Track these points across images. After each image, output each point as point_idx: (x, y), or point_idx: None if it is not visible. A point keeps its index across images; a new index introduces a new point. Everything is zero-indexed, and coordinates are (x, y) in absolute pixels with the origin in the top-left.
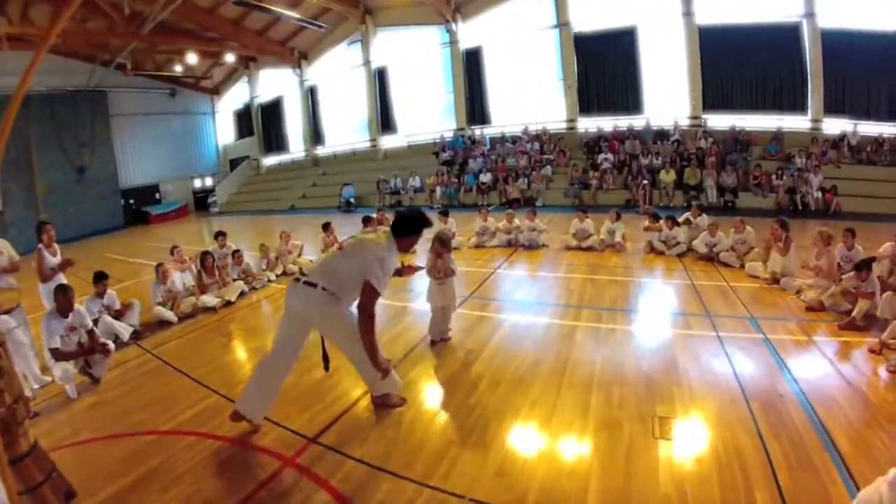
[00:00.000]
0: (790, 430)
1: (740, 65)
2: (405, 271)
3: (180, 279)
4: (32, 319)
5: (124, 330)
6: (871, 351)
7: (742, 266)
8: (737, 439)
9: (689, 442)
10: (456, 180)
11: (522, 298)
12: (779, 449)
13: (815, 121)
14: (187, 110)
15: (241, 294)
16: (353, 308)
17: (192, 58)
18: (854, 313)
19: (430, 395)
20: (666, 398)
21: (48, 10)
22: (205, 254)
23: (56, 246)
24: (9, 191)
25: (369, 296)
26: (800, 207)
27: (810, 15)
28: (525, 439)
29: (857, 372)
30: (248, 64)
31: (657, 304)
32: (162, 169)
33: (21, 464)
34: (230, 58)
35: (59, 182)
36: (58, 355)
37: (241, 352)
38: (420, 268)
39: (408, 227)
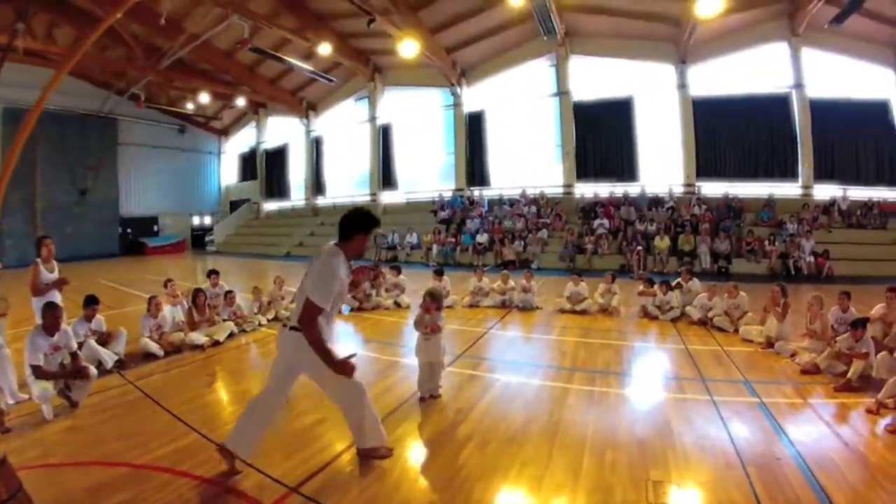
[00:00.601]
0: (787, 493)
1: (733, 134)
2: (356, 276)
3: (170, 313)
4: (18, 334)
5: (108, 357)
6: (869, 411)
7: (736, 330)
8: (732, 500)
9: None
10: (453, 239)
11: (514, 359)
12: None
13: (806, 187)
14: (194, 148)
15: (231, 335)
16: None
17: (204, 97)
18: (849, 375)
19: (416, 452)
20: (660, 462)
21: (72, 33)
22: (197, 291)
23: (54, 262)
24: (9, 202)
25: (307, 310)
26: (792, 272)
27: (799, 86)
28: (514, 503)
29: (855, 433)
30: (257, 110)
31: (651, 367)
32: (163, 202)
33: None
34: (241, 102)
35: (59, 201)
36: (38, 373)
37: (224, 393)
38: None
39: (349, 226)
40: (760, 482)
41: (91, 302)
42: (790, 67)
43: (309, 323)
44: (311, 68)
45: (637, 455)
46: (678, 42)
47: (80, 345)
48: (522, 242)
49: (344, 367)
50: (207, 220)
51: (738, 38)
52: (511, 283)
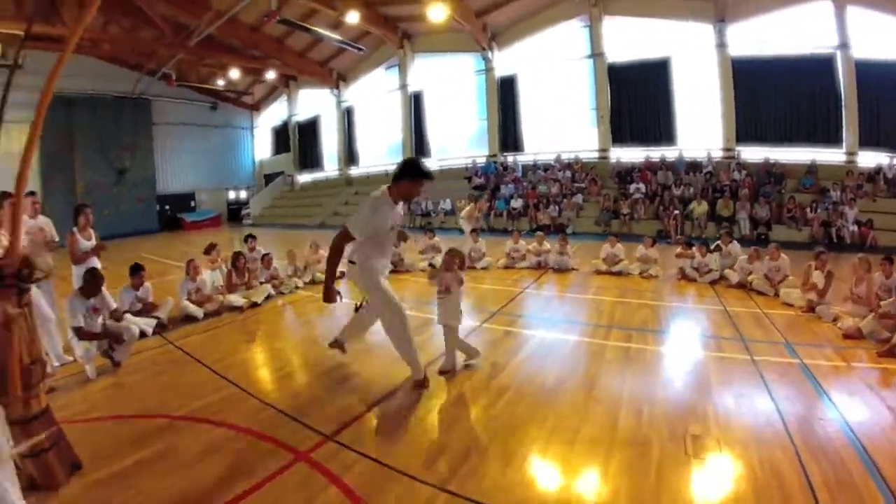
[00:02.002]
0: (830, 453)
1: (774, 97)
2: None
3: (210, 278)
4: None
5: (148, 326)
6: None
7: (776, 294)
8: (774, 460)
9: (723, 462)
10: (487, 205)
11: (550, 316)
12: (818, 471)
13: (850, 153)
14: (227, 124)
15: (268, 297)
16: (384, 283)
17: (234, 73)
18: (894, 340)
19: (452, 402)
20: (699, 418)
21: (100, 18)
22: (237, 254)
23: (91, 230)
24: (50, 187)
25: (339, 234)
26: (835, 240)
27: (844, 46)
28: (550, 452)
29: None
30: (287, 83)
31: (689, 326)
32: (198, 178)
33: (30, 426)
34: (271, 75)
35: (98, 182)
36: (81, 334)
37: (262, 350)
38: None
39: (399, 171)
40: (802, 442)
41: (137, 269)
42: (835, 26)
43: (335, 243)
44: (339, 38)
45: (675, 410)
46: None
47: (126, 313)
48: (557, 207)
49: (329, 293)
50: (243, 195)
51: None
52: (546, 244)
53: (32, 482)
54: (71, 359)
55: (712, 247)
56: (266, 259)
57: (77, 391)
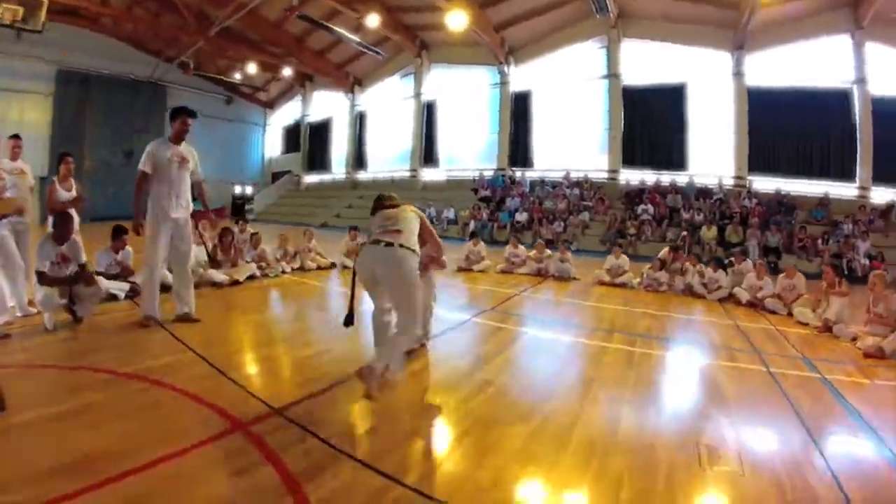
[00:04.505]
0: (867, 470)
1: (788, 128)
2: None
3: (193, 253)
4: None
5: (120, 290)
6: None
7: (790, 314)
8: (806, 477)
9: (745, 477)
10: (490, 216)
11: (546, 318)
12: (856, 488)
13: (863, 188)
14: (240, 119)
15: (252, 277)
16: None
17: (251, 67)
18: None
19: (425, 391)
20: (712, 426)
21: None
22: (225, 229)
23: (72, 181)
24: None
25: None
26: (845, 272)
27: (861, 81)
28: (532, 452)
29: None
30: (303, 83)
31: (696, 336)
32: (206, 169)
33: None
34: (288, 72)
35: (107, 161)
36: (42, 279)
37: (230, 322)
38: None
39: (171, 116)
40: (834, 458)
41: (119, 232)
42: (853, 61)
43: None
44: (358, 39)
45: (686, 417)
46: (735, 28)
47: (101, 275)
48: (562, 223)
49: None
50: (249, 190)
51: (799, 27)
52: (547, 251)
53: None
54: (34, 311)
55: (725, 263)
56: (255, 238)
57: (30, 340)
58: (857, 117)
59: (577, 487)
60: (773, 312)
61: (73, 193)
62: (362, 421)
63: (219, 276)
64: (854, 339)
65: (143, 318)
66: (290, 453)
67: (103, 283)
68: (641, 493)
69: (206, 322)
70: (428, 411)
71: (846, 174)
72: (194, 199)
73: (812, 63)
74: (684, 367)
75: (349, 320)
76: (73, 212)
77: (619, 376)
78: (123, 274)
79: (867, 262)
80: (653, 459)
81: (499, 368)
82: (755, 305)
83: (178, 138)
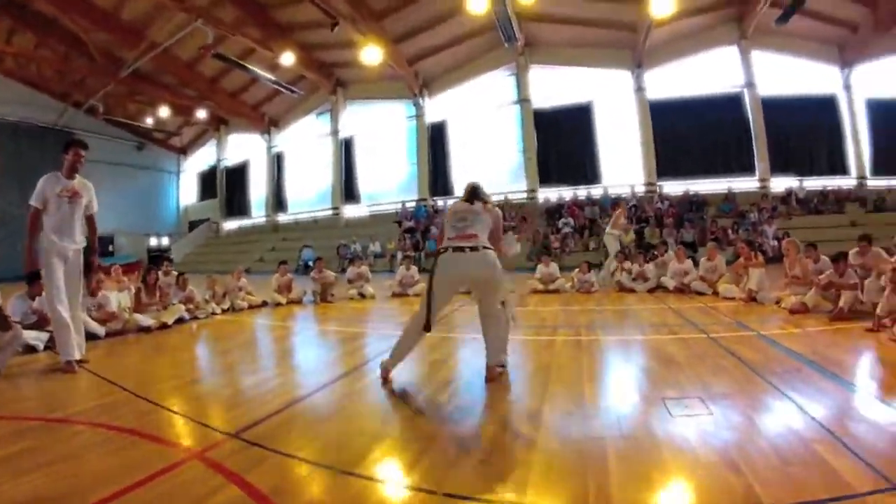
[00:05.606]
0: (812, 390)
1: (690, 134)
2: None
3: (116, 299)
4: None
5: (38, 341)
6: (868, 330)
7: (715, 293)
8: (765, 403)
9: (713, 415)
10: (416, 247)
11: None
12: (820, 408)
13: (763, 180)
14: (153, 166)
15: (181, 320)
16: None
17: (164, 111)
18: (841, 304)
19: (387, 397)
20: (672, 384)
21: (33, 38)
22: (149, 269)
23: None
24: None
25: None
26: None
27: (751, 85)
28: (508, 439)
29: (860, 346)
30: (218, 126)
31: (637, 321)
32: (119, 221)
33: None
34: (202, 115)
35: (14, 214)
36: None
37: (165, 361)
38: None
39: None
40: (787, 386)
41: (36, 277)
42: (741, 68)
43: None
44: (274, 78)
45: (645, 380)
46: (634, 48)
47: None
48: None
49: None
50: (165, 241)
51: (691, 42)
52: None
53: None
54: None
55: (648, 256)
56: (181, 279)
57: None
58: (751, 117)
59: (564, 455)
60: (701, 294)
61: None
62: (327, 431)
63: (146, 320)
64: (778, 302)
65: (64, 363)
66: (254, 473)
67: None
68: (626, 444)
69: (138, 363)
70: (395, 415)
71: (747, 169)
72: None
73: (706, 73)
74: (631, 345)
75: (428, 327)
76: None
77: (573, 359)
78: (41, 323)
79: (776, 242)
80: (627, 418)
81: (455, 368)
82: (683, 291)
83: (70, 172)
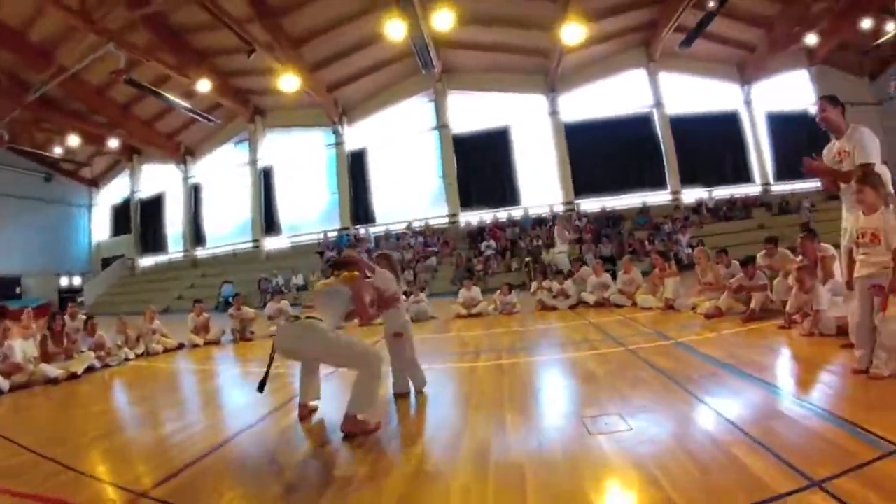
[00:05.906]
0: (728, 392)
1: (604, 153)
2: None
3: (21, 347)
4: None
5: None
6: (780, 327)
7: (634, 304)
8: (682, 411)
9: (631, 430)
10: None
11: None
12: (737, 411)
13: (675, 192)
14: (62, 199)
15: (90, 369)
16: None
17: (73, 139)
18: (752, 305)
19: (307, 437)
20: (591, 402)
21: None
22: (54, 315)
23: None
24: None
25: None
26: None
27: (659, 104)
28: (428, 472)
29: (774, 342)
30: (131, 156)
31: (557, 339)
32: (26, 260)
33: None
34: (114, 144)
35: None
36: None
37: (73, 415)
38: None
39: None
40: (703, 392)
41: None
42: (650, 89)
43: None
44: (189, 105)
45: (565, 400)
46: (547, 73)
47: None
48: (412, 272)
49: None
50: (77, 281)
51: (601, 66)
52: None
53: None
54: None
55: (566, 273)
56: (90, 324)
57: None
58: (660, 134)
59: (481, 485)
60: (620, 306)
61: None
62: (243, 482)
63: (53, 370)
64: (694, 308)
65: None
66: None
67: None
68: (544, 468)
69: (44, 421)
70: (320, 455)
71: (659, 183)
72: None
73: (617, 94)
74: (552, 365)
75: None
76: None
77: (494, 385)
78: None
79: (690, 250)
80: (547, 442)
81: (379, 404)
82: (603, 305)
83: None
